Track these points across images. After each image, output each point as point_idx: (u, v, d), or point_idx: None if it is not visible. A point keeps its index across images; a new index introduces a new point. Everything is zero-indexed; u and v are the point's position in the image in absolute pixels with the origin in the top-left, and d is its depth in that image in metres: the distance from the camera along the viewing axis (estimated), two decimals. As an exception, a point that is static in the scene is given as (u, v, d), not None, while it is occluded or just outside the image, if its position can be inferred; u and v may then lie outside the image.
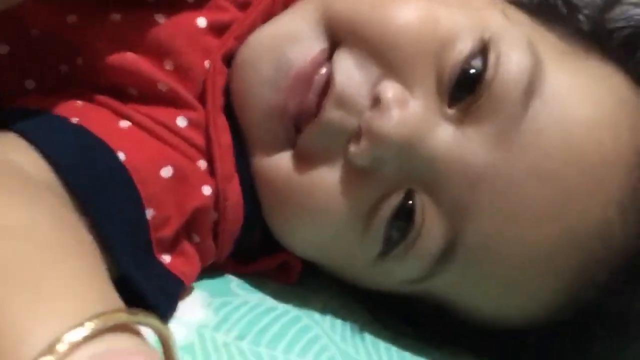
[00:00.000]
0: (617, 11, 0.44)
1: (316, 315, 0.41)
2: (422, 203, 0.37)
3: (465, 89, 0.36)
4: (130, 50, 0.38)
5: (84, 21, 0.38)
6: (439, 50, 0.37)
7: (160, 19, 0.39)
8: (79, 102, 0.38)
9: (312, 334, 0.39)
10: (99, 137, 0.35)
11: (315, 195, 0.38)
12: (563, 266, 0.37)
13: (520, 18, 0.40)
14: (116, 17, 0.38)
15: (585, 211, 0.37)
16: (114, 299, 0.26)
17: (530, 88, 0.36)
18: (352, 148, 0.37)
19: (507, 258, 0.37)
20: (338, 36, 0.38)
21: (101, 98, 0.38)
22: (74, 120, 0.35)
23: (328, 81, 0.38)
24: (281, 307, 0.40)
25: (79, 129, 0.35)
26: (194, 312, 0.38)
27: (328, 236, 0.39)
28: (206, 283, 0.40)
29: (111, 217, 0.34)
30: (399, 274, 0.39)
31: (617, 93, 0.39)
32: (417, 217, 0.37)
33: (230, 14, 0.41)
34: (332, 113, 0.37)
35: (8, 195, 0.28)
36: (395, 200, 0.37)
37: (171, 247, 0.37)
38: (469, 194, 0.36)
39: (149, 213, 0.35)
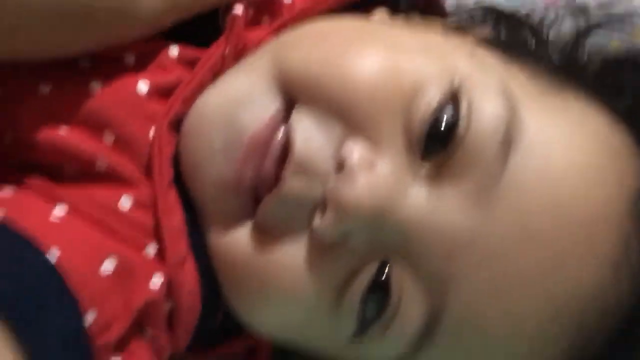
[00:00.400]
0: (587, 43, 0.42)
1: None
2: (399, 275, 0.33)
3: (437, 142, 0.33)
4: (64, 124, 0.34)
5: (11, 95, 0.35)
6: (405, 103, 0.33)
7: (96, 86, 0.35)
8: (7, 189, 0.34)
9: None
10: (27, 233, 0.31)
11: (278, 274, 0.34)
12: (556, 338, 0.34)
13: (489, 59, 0.37)
14: (45, 89, 0.35)
15: (579, 275, 0.33)
16: None
17: (508, 139, 0.33)
18: (317, 221, 0.33)
19: (494, 333, 0.34)
20: (293, 94, 0.35)
21: (34, 180, 0.34)
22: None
23: (286, 146, 0.34)
24: None
25: (3, 228, 0.31)
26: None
27: (296, 317, 0.35)
28: None
29: (42, 332, 0.30)
30: (377, 354, 0.36)
31: (598, 136, 0.36)
32: (394, 290, 0.33)
33: (175, 73, 0.37)
34: (292, 182, 0.33)
35: None
36: (368, 274, 0.34)
37: (120, 347, 0.33)
38: (449, 264, 0.33)
39: (90, 317, 0.31)
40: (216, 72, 0.37)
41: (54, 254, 0.31)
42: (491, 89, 0.34)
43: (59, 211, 0.33)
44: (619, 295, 0.35)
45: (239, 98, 0.35)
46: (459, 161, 0.32)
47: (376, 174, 0.32)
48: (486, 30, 0.41)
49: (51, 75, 0.35)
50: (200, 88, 0.36)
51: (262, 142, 0.34)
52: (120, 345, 0.33)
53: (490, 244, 0.32)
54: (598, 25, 0.41)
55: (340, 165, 0.33)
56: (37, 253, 0.31)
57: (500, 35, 0.41)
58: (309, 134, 0.33)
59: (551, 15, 0.43)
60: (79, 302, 0.31)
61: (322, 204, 0.33)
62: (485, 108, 0.33)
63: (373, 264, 0.34)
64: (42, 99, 0.35)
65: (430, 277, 0.33)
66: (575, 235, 0.33)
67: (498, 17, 0.43)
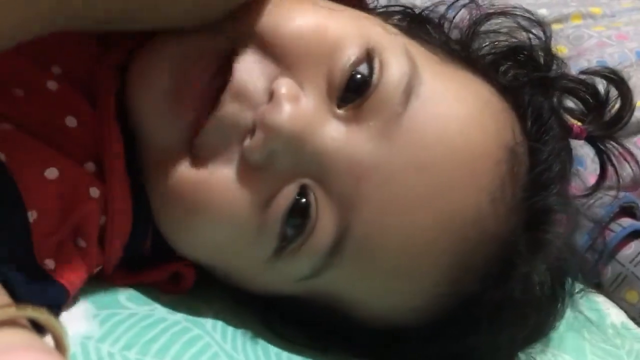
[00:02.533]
0: (480, 38, 0.49)
1: (207, 326, 0.41)
2: (316, 197, 0.38)
3: (352, 92, 0.39)
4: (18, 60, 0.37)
5: None
6: (328, 55, 0.39)
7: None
8: None
9: (201, 344, 0.39)
10: None
11: (211, 191, 0.38)
12: (441, 254, 0.39)
13: (396, 31, 0.43)
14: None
15: (460, 200, 0.39)
16: (1, 296, 0.25)
17: (409, 89, 0.39)
18: (247, 142, 0.38)
19: (389, 247, 0.39)
20: (237, 36, 0.39)
21: None
22: None
23: (224, 74, 0.38)
24: (171, 318, 0.40)
25: None
26: (77, 324, 0.37)
27: (223, 233, 0.39)
28: (93, 295, 0.39)
29: None
30: (292, 271, 0.40)
31: (482, 97, 0.43)
32: (312, 211, 0.38)
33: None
34: (229, 106, 0.38)
35: None
36: (289, 195, 0.38)
37: (55, 252, 0.36)
38: (355, 186, 0.38)
39: (32, 216, 0.34)
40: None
41: (1, 157, 0.34)
42: (397, 50, 0.40)
43: (4, 126, 0.36)
44: (496, 227, 0.40)
45: (185, 40, 0.39)
46: (369, 107, 0.38)
47: (299, 105, 0.38)
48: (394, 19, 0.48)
49: None
50: (144, 41, 0.40)
51: (202, 62, 0.38)
52: (55, 251, 0.36)
53: (391, 169, 0.38)
54: (488, 16, 0.49)
55: (271, 96, 0.38)
56: None
57: (405, 24, 0.48)
58: (249, 68, 0.38)
59: (450, 10, 0.50)
60: (24, 200, 0.34)
61: (252, 130, 0.38)
62: (392, 65, 0.39)
63: (293, 186, 0.38)
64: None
65: (340, 197, 0.38)
66: (459, 168, 0.39)
67: (404, 11, 0.50)
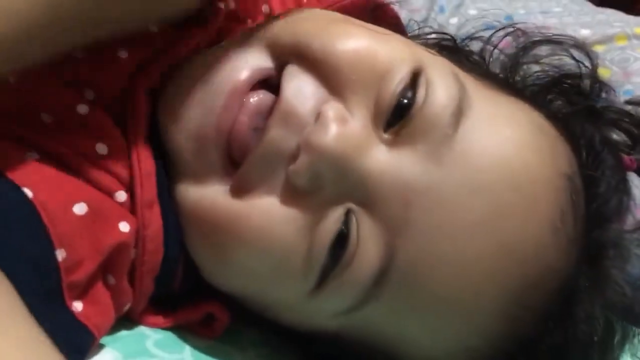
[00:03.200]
0: (524, 69, 0.48)
1: None
2: (359, 224, 0.36)
3: (399, 117, 0.37)
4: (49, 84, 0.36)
5: None
6: (377, 80, 0.37)
7: (79, 54, 0.37)
8: None
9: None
10: (3, 172, 0.32)
11: (253, 219, 0.36)
12: (498, 287, 0.36)
13: (442, 56, 0.42)
14: None
15: (521, 227, 0.36)
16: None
17: (459, 111, 0.37)
18: (291, 166, 0.36)
19: (440, 277, 0.36)
20: (285, 58, 0.38)
21: (6, 127, 0.35)
22: None
23: (265, 105, 0.37)
24: None
25: None
26: (104, 374, 0.35)
27: (265, 264, 0.37)
28: (120, 340, 0.37)
29: (17, 258, 0.31)
30: (333, 303, 0.37)
31: (536, 121, 0.40)
32: (352, 240, 0.36)
33: (153, 48, 0.39)
34: (276, 131, 0.36)
35: None
36: (334, 223, 0.36)
37: (84, 292, 0.34)
38: (404, 210, 0.35)
39: (60, 254, 0.32)
40: (192, 53, 0.40)
41: (28, 193, 0.32)
42: (444, 71, 0.39)
43: (33, 156, 0.34)
44: (557, 260, 0.37)
45: (225, 56, 0.39)
46: (416, 129, 0.36)
47: (346, 127, 0.36)
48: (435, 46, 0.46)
49: None
50: (176, 63, 0.39)
51: (243, 92, 0.37)
52: (83, 291, 0.34)
53: (443, 193, 0.35)
54: (536, 44, 0.47)
55: (317, 118, 0.36)
56: (13, 188, 0.32)
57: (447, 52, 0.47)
58: (297, 90, 0.37)
59: (494, 38, 0.49)
60: (52, 238, 0.32)
61: (296, 154, 0.36)
62: (439, 84, 0.37)
63: (338, 212, 0.36)
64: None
65: (387, 224, 0.35)
66: (518, 192, 0.36)
67: (444, 39, 0.49)
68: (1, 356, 0.24)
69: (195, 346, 0.39)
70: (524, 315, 0.37)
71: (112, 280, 0.36)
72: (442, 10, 0.84)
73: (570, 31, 0.80)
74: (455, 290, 0.36)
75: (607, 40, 0.79)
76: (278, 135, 0.36)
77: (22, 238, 0.31)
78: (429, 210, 0.35)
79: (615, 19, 0.82)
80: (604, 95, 0.47)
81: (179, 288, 0.40)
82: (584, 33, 0.79)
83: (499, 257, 0.36)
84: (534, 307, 0.37)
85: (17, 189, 0.32)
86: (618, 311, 0.41)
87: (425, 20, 0.82)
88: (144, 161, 0.37)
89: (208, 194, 0.37)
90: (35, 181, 0.33)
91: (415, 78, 0.38)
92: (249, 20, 0.45)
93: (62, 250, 0.32)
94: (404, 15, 0.75)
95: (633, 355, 0.44)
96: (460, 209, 0.35)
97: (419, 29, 0.51)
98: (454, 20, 0.81)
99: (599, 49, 0.76)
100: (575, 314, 0.39)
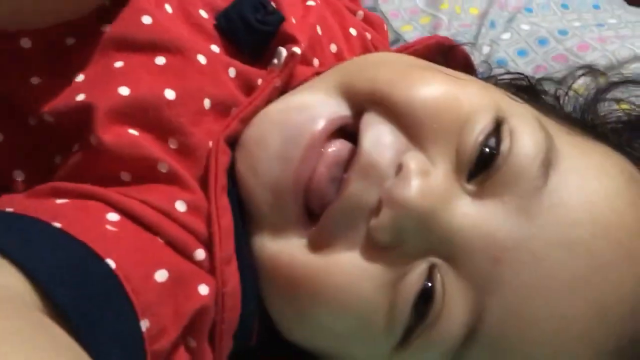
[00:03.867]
0: (600, 107, 0.47)
1: None
2: (444, 280, 0.35)
3: (482, 167, 0.36)
4: (137, 127, 0.36)
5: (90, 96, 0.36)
6: (459, 128, 0.36)
7: (170, 95, 0.37)
8: (62, 200, 0.34)
9: None
10: (85, 243, 0.32)
11: (333, 276, 0.36)
12: (596, 346, 0.35)
13: (521, 101, 0.41)
14: (125, 91, 0.36)
15: (616, 285, 0.35)
16: None
17: (547, 161, 0.36)
18: (373, 221, 0.35)
19: (534, 336, 0.35)
20: (361, 105, 0.38)
21: (88, 188, 0.35)
22: (57, 224, 0.32)
23: (344, 155, 0.37)
24: None
25: (63, 237, 0.32)
26: None
27: (346, 322, 0.36)
28: None
29: (104, 337, 0.30)
30: None
31: (625, 170, 0.39)
32: (438, 295, 0.35)
33: (232, 93, 0.39)
34: (356, 184, 0.36)
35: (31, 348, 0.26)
36: (418, 279, 0.35)
37: (167, 358, 0.34)
38: (493, 267, 0.34)
39: (144, 325, 0.32)
40: (269, 100, 0.40)
41: (110, 263, 0.32)
42: (528, 118, 0.37)
43: (113, 217, 0.34)
44: None
45: (301, 104, 0.38)
46: (502, 180, 0.35)
47: (429, 180, 0.35)
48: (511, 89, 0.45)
49: (128, 75, 0.37)
50: (256, 111, 0.39)
51: (321, 142, 0.37)
52: (166, 358, 0.34)
53: (533, 248, 0.34)
54: (615, 85, 0.45)
55: (399, 171, 0.35)
56: (96, 260, 0.32)
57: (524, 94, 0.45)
58: (377, 140, 0.36)
59: (569, 77, 0.47)
60: (136, 309, 0.32)
61: (378, 208, 0.35)
62: (525, 133, 0.36)
63: (421, 267, 0.35)
64: (117, 101, 0.36)
65: (475, 281, 0.35)
66: (614, 247, 0.35)
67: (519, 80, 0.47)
68: None
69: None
70: None
71: (193, 343, 0.36)
72: (492, 25, 0.81)
73: (628, 44, 0.78)
74: (549, 352, 0.35)
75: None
76: (358, 188, 0.36)
77: (106, 312, 0.31)
78: (520, 267, 0.34)
79: (676, 30, 0.79)
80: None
81: (256, 342, 0.39)
82: (643, 46, 0.76)
83: (595, 317, 0.35)
84: None
85: (100, 261, 0.32)
86: None
87: (476, 36, 0.80)
88: (223, 217, 0.37)
89: (286, 249, 0.37)
90: (116, 250, 0.33)
91: (498, 126, 0.37)
92: (316, 60, 0.44)
93: (146, 320, 0.32)
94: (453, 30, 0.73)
95: None
96: (553, 267, 0.34)
97: (490, 73, 0.49)
98: (506, 36, 0.79)
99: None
100: None
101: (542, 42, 0.78)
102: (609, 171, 0.38)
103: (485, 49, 0.77)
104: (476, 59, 0.53)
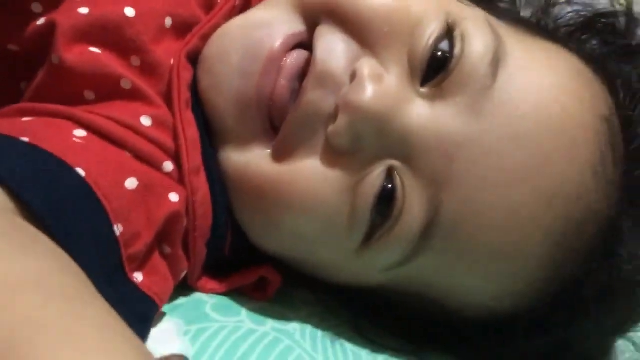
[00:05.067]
0: (556, 10, 0.47)
1: (296, 335, 0.39)
2: (402, 180, 0.37)
3: (435, 70, 0.37)
4: (99, 45, 0.37)
5: (50, 17, 0.36)
6: (409, 33, 0.37)
7: (130, 12, 0.37)
8: (29, 118, 0.35)
9: (293, 356, 0.37)
10: (54, 154, 0.33)
11: (296, 183, 0.37)
12: (544, 232, 0.37)
13: (473, 5, 0.42)
14: (84, 10, 0.37)
15: (563, 172, 0.37)
16: (146, 351, 0.27)
17: (496, 61, 0.37)
18: (331, 127, 0.37)
19: (486, 225, 0.37)
20: (315, 18, 0.38)
21: (53, 107, 0.36)
22: (24, 139, 0.33)
23: (301, 66, 0.38)
24: (260, 329, 0.38)
25: (32, 149, 0.33)
26: (171, 343, 0.36)
27: (311, 225, 0.38)
28: (180, 308, 0.38)
29: (79, 238, 0.31)
30: (382, 258, 0.38)
31: (572, 65, 0.40)
32: (399, 195, 0.37)
33: (193, 12, 0.40)
34: (312, 93, 0.37)
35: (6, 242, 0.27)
36: (376, 180, 0.37)
37: (142, 263, 0.35)
38: (447, 164, 0.36)
39: (118, 229, 0.33)
40: (228, 18, 0.41)
41: (81, 172, 0.33)
42: (479, 22, 0.38)
43: (80, 133, 0.35)
44: (599, 204, 0.38)
45: (259, 21, 0.39)
46: (454, 82, 0.37)
47: (383, 84, 0.36)
48: None
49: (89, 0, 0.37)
50: (215, 29, 0.40)
51: (280, 58, 0.37)
52: (142, 262, 0.35)
53: (484, 144, 0.36)
54: None
55: (353, 77, 0.36)
56: (66, 169, 0.32)
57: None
58: (329, 50, 0.37)
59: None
60: (109, 214, 0.33)
61: (335, 115, 0.36)
62: (475, 35, 0.37)
63: (379, 170, 0.37)
64: (79, 20, 0.37)
65: (431, 176, 0.36)
66: (559, 137, 0.37)
67: None
68: (81, 338, 0.25)
69: (250, 309, 0.40)
70: (568, 258, 0.38)
71: (167, 249, 0.37)
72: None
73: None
74: (502, 236, 0.37)
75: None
76: (315, 96, 0.37)
77: (81, 217, 0.32)
78: (472, 162, 0.36)
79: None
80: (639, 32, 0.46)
81: (229, 253, 0.41)
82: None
83: (543, 202, 0.37)
84: (577, 250, 0.38)
85: (71, 170, 0.33)
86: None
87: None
88: (188, 129, 0.38)
89: (252, 160, 0.38)
90: (85, 160, 0.33)
91: (450, 30, 0.38)
92: None
93: (120, 225, 0.33)
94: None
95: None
96: (503, 158, 0.36)
97: None
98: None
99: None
100: (618, 254, 0.39)
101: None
102: (556, 67, 0.39)
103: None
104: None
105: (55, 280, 0.27)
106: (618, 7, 0.47)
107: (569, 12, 0.47)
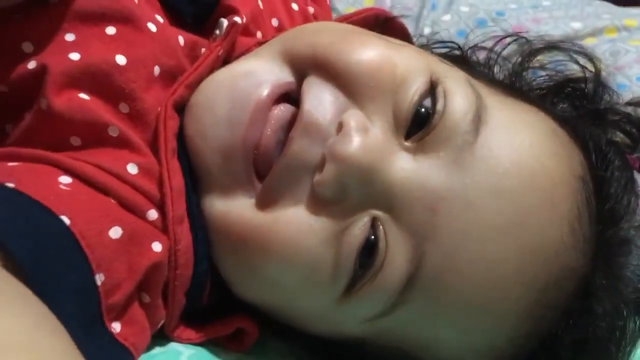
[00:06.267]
0: (529, 74, 0.49)
1: None
2: (385, 231, 0.37)
3: (419, 125, 0.38)
4: (87, 92, 0.37)
5: (41, 60, 0.37)
6: (395, 89, 0.38)
7: (121, 60, 0.38)
8: (14, 163, 0.35)
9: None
10: (39, 201, 0.33)
11: (282, 229, 0.37)
12: (525, 285, 0.38)
13: (453, 66, 0.43)
14: (75, 56, 0.37)
15: (543, 228, 0.38)
16: None
17: (478, 117, 0.38)
18: (317, 177, 0.37)
19: (468, 279, 0.37)
20: (303, 70, 0.39)
21: (40, 153, 0.36)
22: (10, 185, 0.33)
23: (288, 118, 0.38)
24: None
25: (17, 195, 0.32)
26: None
27: (293, 275, 0.38)
28: (156, 358, 0.37)
29: (58, 286, 0.31)
30: (362, 309, 0.38)
31: (548, 125, 0.42)
32: (381, 246, 0.37)
33: (180, 61, 0.41)
34: (299, 142, 0.37)
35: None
36: (361, 231, 0.37)
37: (121, 313, 0.35)
38: (429, 216, 0.37)
39: (99, 279, 0.33)
40: (213, 68, 0.41)
41: (65, 220, 0.33)
42: (460, 81, 0.40)
43: (65, 180, 0.35)
44: (576, 261, 0.39)
45: (247, 70, 0.40)
46: (438, 136, 0.38)
47: (369, 136, 0.37)
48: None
49: (80, 44, 0.37)
50: (201, 78, 0.40)
51: (267, 107, 0.38)
52: (120, 312, 0.35)
53: (466, 197, 0.37)
54: (539, 51, 0.48)
55: (340, 128, 0.37)
56: (51, 217, 0.32)
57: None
58: (317, 100, 0.38)
59: (497, 47, 0.50)
60: (90, 263, 0.33)
61: (322, 164, 0.37)
62: (457, 93, 0.39)
63: (364, 221, 0.37)
64: (70, 66, 0.37)
65: (414, 229, 0.37)
66: (538, 194, 0.38)
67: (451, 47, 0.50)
68: None
69: (227, 359, 0.40)
70: (547, 314, 0.39)
71: (146, 298, 0.37)
72: (434, 7, 0.85)
73: (562, 25, 0.81)
74: (483, 291, 0.37)
75: (597, 32, 0.80)
76: (301, 146, 0.37)
77: (62, 266, 0.32)
78: (455, 215, 0.37)
79: (603, 11, 0.83)
80: (607, 98, 0.48)
81: (207, 302, 0.41)
82: (575, 26, 0.80)
83: (524, 258, 0.37)
84: (555, 306, 0.39)
85: (55, 217, 0.33)
86: (633, 306, 0.43)
87: (418, 17, 0.83)
88: (174, 178, 0.38)
89: (235, 208, 0.38)
90: (70, 208, 0.33)
91: (432, 87, 0.39)
92: (259, 33, 0.46)
93: (101, 274, 0.33)
94: (396, 13, 0.75)
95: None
96: (485, 213, 0.37)
97: (426, 41, 0.52)
98: (446, 18, 0.82)
99: (589, 42, 0.77)
100: (593, 311, 0.40)
101: (481, 22, 0.82)
102: (534, 126, 0.41)
103: (427, 30, 0.80)
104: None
105: (46, 344, 0.26)
106: (587, 74, 0.49)
107: (541, 76, 0.49)
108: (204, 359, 0.39)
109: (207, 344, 0.41)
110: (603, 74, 0.50)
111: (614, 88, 0.51)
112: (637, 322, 0.43)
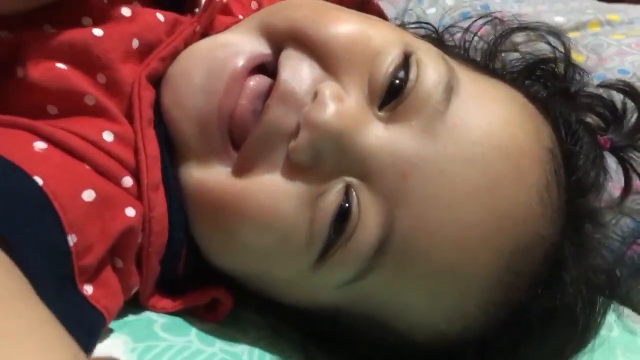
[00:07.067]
0: (502, 56, 0.51)
1: (244, 357, 0.39)
2: (359, 197, 0.38)
3: (392, 95, 0.39)
4: (65, 62, 0.37)
5: (18, 37, 0.37)
6: (370, 61, 0.39)
7: (98, 32, 0.38)
8: None
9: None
10: (12, 161, 0.33)
11: (258, 195, 0.38)
12: (494, 251, 0.38)
13: (426, 41, 0.45)
14: (50, 28, 0.38)
15: (512, 195, 0.38)
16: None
17: (449, 88, 0.39)
18: (292, 143, 0.38)
19: (438, 243, 0.38)
20: (281, 43, 0.40)
21: (15, 119, 0.36)
22: None
23: (264, 90, 0.39)
24: (208, 350, 0.39)
25: None
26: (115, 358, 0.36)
27: (268, 240, 0.38)
28: (129, 325, 0.38)
29: (29, 245, 0.32)
30: (335, 275, 0.39)
31: (517, 99, 0.43)
32: (354, 211, 0.38)
33: (158, 35, 0.41)
34: (275, 111, 0.38)
35: None
36: (335, 197, 0.38)
37: (94, 276, 0.35)
38: (401, 182, 0.37)
39: (71, 240, 0.33)
40: (187, 43, 0.42)
41: (38, 181, 0.33)
42: (433, 54, 0.41)
43: (40, 145, 0.35)
44: (545, 229, 0.40)
45: (225, 42, 0.41)
46: (410, 105, 0.39)
47: (343, 104, 0.38)
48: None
49: (55, 19, 0.38)
50: (176, 51, 0.41)
51: (242, 77, 0.39)
52: (93, 275, 0.35)
53: (437, 164, 0.37)
54: (513, 31, 0.49)
55: (315, 97, 0.38)
56: (24, 177, 0.33)
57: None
58: (294, 71, 0.39)
59: (472, 27, 0.51)
60: (63, 224, 0.33)
61: (296, 132, 0.38)
62: (429, 64, 0.40)
63: (337, 186, 0.38)
64: (47, 39, 0.37)
65: (386, 196, 0.37)
66: (508, 162, 0.39)
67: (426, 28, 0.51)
68: (14, 339, 0.25)
69: (200, 329, 0.41)
70: (516, 281, 0.39)
71: (119, 263, 0.37)
72: (420, 1, 0.86)
73: (545, 19, 0.82)
74: (453, 255, 0.38)
75: (580, 27, 0.81)
76: (277, 114, 0.38)
77: (34, 225, 0.33)
78: (426, 181, 0.37)
79: (587, 6, 0.85)
80: (577, 78, 0.49)
81: (182, 272, 0.41)
82: (558, 20, 0.81)
83: (493, 223, 0.38)
84: (524, 273, 0.40)
85: (28, 178, 0.33)
86: (601, 275, 0.44)
87: (404, 11, 0.84)
88: (149, 146, 0.39)
89: (211, 176, 0.39)
90: (44, 170, 0.34)
91: (406, 59, 0.40)
92: (240, 16, 0.47)
93: (73, 235, 0.34)
94: (383, 5, 0.77)
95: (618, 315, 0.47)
96: (455, 179, 0.38)
97: (401, 22, 0.53)
98: (431, 11, 0.83)
99: (573, 35, 0.78)
100: (562, 279, 0.41)
101: (466, 15, 0.83)
102: (504, 100, 0.42)
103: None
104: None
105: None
106: (558, 54, 0.49)
107: (513, 59, 0.50)
108: (178, 327, 0.40)
109: (181, 313, 0.41)
110: (587, 64, 0.51)
111: (596, 80, 0.52)
112: (607, 292, 0.44)
